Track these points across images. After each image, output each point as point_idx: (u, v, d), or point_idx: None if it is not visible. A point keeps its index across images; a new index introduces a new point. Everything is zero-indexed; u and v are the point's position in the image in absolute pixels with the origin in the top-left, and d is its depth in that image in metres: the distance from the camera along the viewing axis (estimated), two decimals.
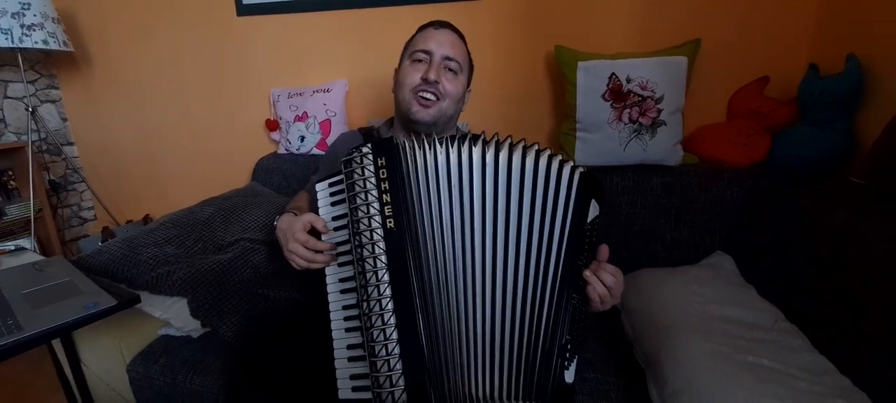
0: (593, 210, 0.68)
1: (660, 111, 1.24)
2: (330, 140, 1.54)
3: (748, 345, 0.81)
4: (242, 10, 1.61)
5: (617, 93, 1.25)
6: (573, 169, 0.68)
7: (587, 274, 0.67)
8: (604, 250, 0.70)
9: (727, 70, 1.36)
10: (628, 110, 1.25)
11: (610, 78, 1.25)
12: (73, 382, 1.02)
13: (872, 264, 0.82)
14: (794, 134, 1.20)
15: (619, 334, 1.01)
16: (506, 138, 0.68)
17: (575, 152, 1.32)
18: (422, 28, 0.93)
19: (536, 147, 0.68)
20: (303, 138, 1.57)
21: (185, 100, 1.78)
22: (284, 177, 1.54)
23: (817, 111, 1.15)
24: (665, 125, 1.24)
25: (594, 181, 0.69)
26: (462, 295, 0.66)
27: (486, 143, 0.67)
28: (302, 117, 1.57)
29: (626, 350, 0.95)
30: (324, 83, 1.60)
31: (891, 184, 0.88)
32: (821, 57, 1.23)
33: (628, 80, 1.24)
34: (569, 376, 0.67)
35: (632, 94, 1.24)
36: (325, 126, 1.56)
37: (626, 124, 1.25)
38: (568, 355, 0.67)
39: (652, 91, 1.23)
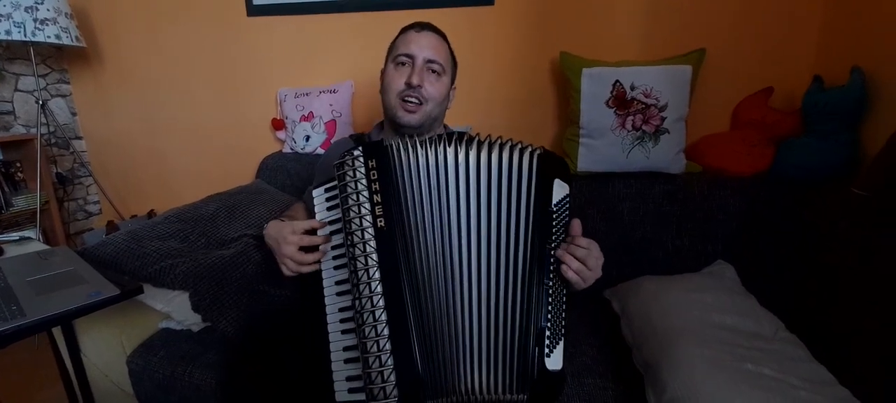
0: (560, 190, 0.68)
1: (663, 119, 1.24)
2: (335, 140, 1.55)
3: (748, 354, 0.81)
4: (253, 11, 1.64)
5: (621, 101, 1.26)
6: (531, 153, 0.69)
7: (559, 252, 0.67)
8: (575, 224, 0.68)
9: (731, 80, 1.37)
10: (632, 117, 1.25)
11: (614, 85, 1.26)
12: (72, 373, 1.03)
13: (875, 275, 0.82)
14: (798, 145, 1.20)
15: (617, 339, 1.00)
16: (486, 137, 0.70)
17: (578, 158, 1.32)
18: (404, 30, 0.93)
19: (510, 143, 0.70)
20: (308, 138, 1.58)
21: (192, 97, 1.80)
22: (289, 176, 1.55)
23: (821, 122, 1.15)
24: (668, 133, 1.24)
25: (556, 162, 0.70)
26: (450, 291, 0.67)
27: (459, 143, 0.68)
28: (308, 117, 1.58)
29: (625, 355, 0.95)
30: (330, 84, 1.62)
31: (894, 196, 0.88)
32: (825, 68, 1.23)
33: (632, 88, 1.25)
34: (552, 363, 0.66)
35: (636, 102, 1.25)
36: (331, 126, 1.58)
37: (629, 131, 1.26)
38: (548, 341, 0.66)
39: (656, 99, 1.24)
